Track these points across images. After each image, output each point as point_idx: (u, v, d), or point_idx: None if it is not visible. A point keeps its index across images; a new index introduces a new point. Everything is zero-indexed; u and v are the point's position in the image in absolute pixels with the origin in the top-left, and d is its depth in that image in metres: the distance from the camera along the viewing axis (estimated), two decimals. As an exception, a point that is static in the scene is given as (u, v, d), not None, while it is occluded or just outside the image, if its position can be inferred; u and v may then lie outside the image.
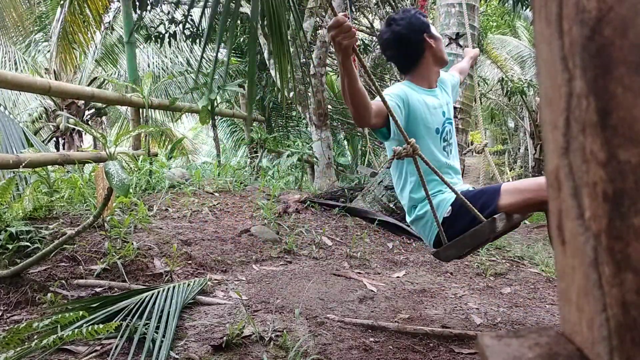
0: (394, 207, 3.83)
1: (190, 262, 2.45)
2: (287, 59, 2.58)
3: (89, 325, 1.50)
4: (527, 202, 1.76)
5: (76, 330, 1.45)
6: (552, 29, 0.45)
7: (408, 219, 2.01)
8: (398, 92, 1.87)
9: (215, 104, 5.91)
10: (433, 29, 2.01)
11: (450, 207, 1.86)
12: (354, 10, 8.56)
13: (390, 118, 1.63)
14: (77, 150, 9.11)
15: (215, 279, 2.30)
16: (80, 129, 8.97)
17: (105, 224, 2.61)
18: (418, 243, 3.58)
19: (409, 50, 1.96)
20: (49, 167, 3.55)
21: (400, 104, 1.84)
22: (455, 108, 3.85)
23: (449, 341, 1.89)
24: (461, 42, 3.87)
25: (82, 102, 9.57)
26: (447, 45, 3.88)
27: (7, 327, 1.75)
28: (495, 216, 1.73)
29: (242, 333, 1.68)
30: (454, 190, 1.76)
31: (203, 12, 3.08)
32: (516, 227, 2.08)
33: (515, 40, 14.16)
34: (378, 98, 1.65)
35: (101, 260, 2.30)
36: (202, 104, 5.65)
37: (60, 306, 1.90)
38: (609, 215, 0.41)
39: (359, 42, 8.76)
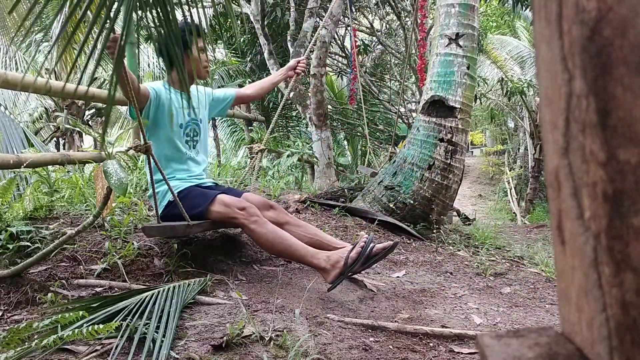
0: (394, 207, 3.83)
1: (190, 262, 2.45)
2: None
3: (89, 325, 1.50)
4: (224, 216, 2.29)
5: (76, 330, 1.45)
6: (552, 29, 0.45)
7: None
8: (155, 85, 2.41)
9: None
10: (194, 49, 2.41)
11: (171, 195, 2.24)
12: (354, 10, 8.55)
13: (148, 102, 2.26)
14: (78, 150, 9.11)
15: (215, 279, 2.30)
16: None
17: (106, 224, 2.61)
18: (418, 243, 3.58)
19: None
20: (50, 167, 3.55)
21: (153, 93, 2.36)
22: (454, 108, 3.84)
23: (449, 341, 1.89)
24: (461, 42, 3.86)
25: (82, 102, 9.56)
26: (446, 46, 3.86)
27: (8, 327, 1.75)
28: (190, 223, 2.21)
29: (242, 333, 1.68)
30: (169, 187, 2.14)
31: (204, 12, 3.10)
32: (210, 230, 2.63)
33: (515, 40, 14.16)
34: (146, 84, 2.36)
35: (101, 260, 2.30)
36: (202, 104, 5.64)
37: (61, 306, 1.90)
38: (609, 215, 0.41)
39: (359, 42, 8.77)
